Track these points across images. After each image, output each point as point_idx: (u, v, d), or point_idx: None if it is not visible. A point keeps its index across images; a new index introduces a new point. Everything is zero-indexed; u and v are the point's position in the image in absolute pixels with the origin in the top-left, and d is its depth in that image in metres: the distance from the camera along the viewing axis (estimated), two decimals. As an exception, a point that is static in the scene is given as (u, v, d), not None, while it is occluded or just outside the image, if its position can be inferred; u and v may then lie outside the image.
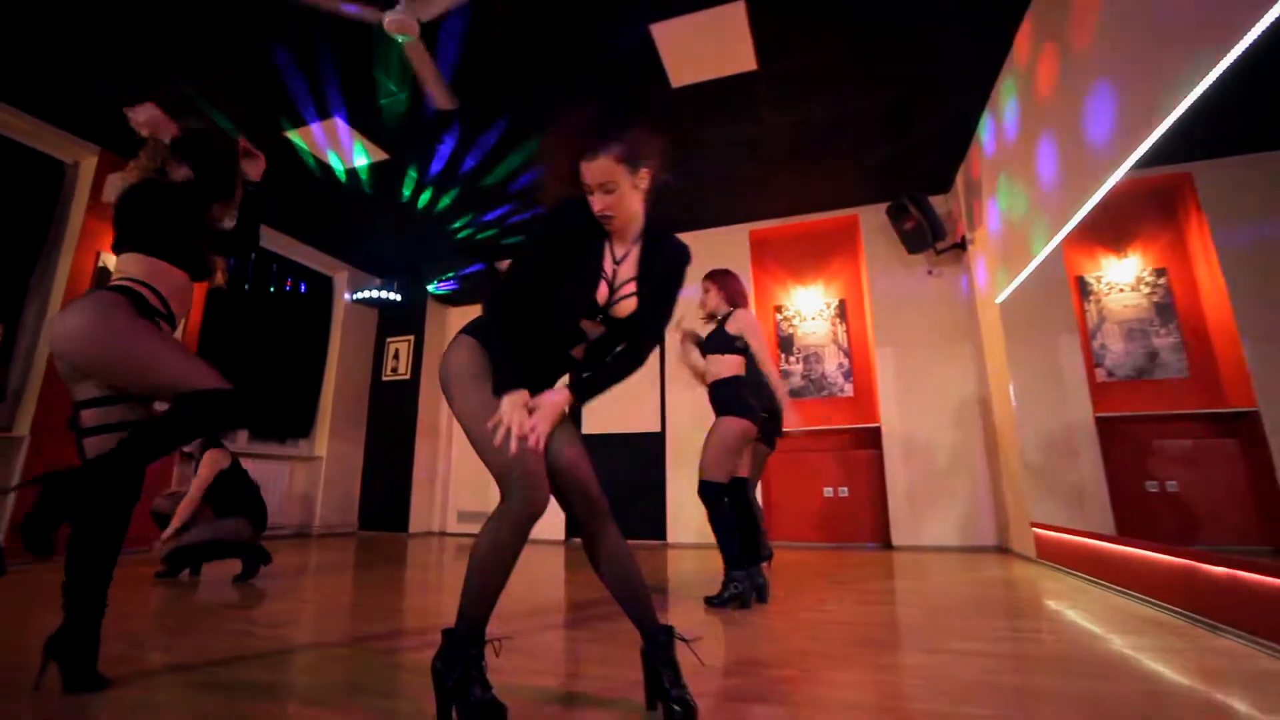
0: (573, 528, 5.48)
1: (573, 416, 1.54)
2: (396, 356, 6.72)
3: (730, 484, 2.48)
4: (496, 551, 1.17)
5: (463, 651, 1.14)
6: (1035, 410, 4.54)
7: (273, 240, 5.67)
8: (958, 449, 4.67)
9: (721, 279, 2.68)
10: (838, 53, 3.41)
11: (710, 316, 2.71)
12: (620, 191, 1.27)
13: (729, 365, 2.53)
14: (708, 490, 2.42)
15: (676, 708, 1.13)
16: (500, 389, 1.22)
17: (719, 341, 2.59)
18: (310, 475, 5.98)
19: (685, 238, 1.43)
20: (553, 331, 1.31)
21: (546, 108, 3.84)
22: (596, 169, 1.25)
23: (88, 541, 1.40)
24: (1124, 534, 4.27)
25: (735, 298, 2.63)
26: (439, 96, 3.37)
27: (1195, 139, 4.36)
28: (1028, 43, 3.25)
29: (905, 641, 1.87)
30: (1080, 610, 2.32)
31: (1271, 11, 1.60)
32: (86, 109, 3.83)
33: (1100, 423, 4.50)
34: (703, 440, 2.52)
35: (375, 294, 6.48)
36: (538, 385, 1.31)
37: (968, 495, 4.57)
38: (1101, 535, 3.01)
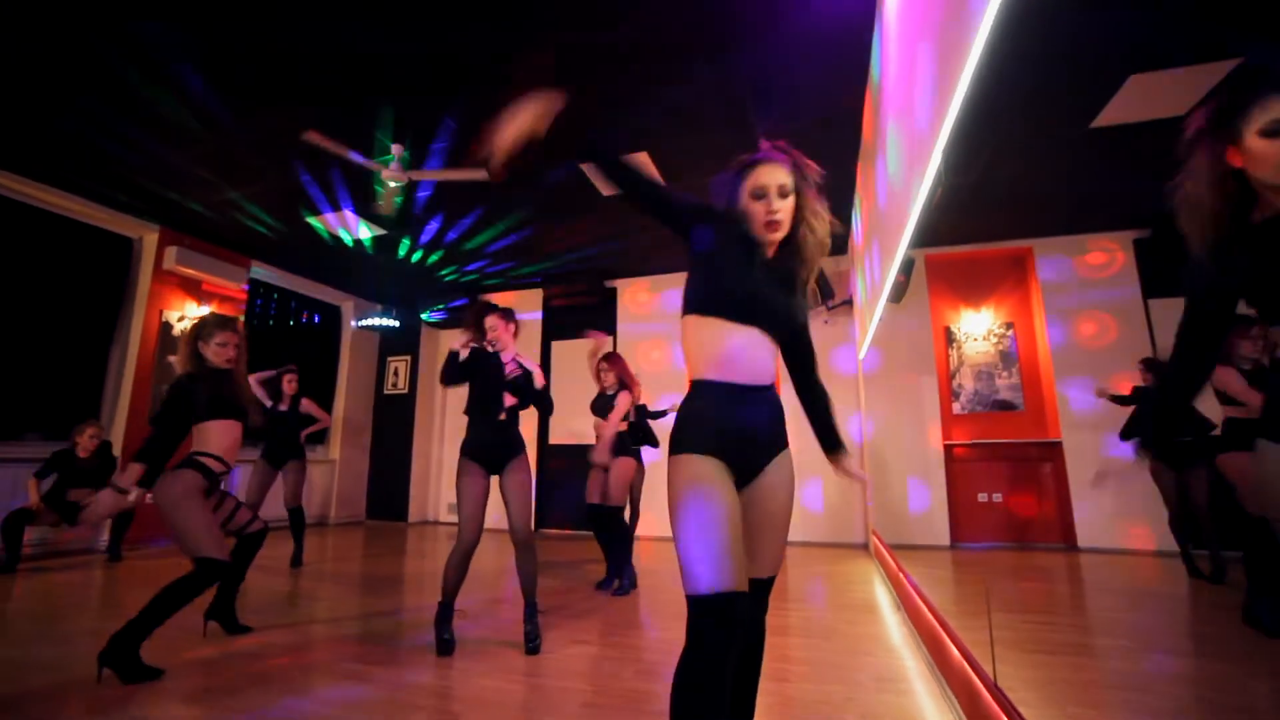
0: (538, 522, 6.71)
1: (541, 430, 2.74)
2: (396, 373, 7.91)
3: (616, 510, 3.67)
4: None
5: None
6: (897, 438, 5.75)
7: (291, 281, 6.80)
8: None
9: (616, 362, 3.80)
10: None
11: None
12: (502, 336, 2.64)
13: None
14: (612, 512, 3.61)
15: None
16: None
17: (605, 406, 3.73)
18: (326, 475, 7.22)
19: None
20: None
21: (513, 205, 4.99)
22: (490, 323, 2.59)
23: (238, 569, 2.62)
24: (957, 536, 5.55)
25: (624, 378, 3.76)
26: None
27: (1031, 221, 5.57)
28: (860, 167, 4.36)
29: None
30: (828, 583, 3.55)
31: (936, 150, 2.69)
32: (147, 197, 4.91)
33: (948, 448, 5.76)
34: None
35: (377, 320, 7.63)
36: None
37: (843, 504, 5.81)
38: (883, 541, 4.20)
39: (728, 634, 1.02)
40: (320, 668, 2.25)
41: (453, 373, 2.62)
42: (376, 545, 5.60)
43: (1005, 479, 5.47)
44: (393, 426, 7.78)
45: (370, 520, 7.62)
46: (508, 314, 2.71)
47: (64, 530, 4.37)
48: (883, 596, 3.51)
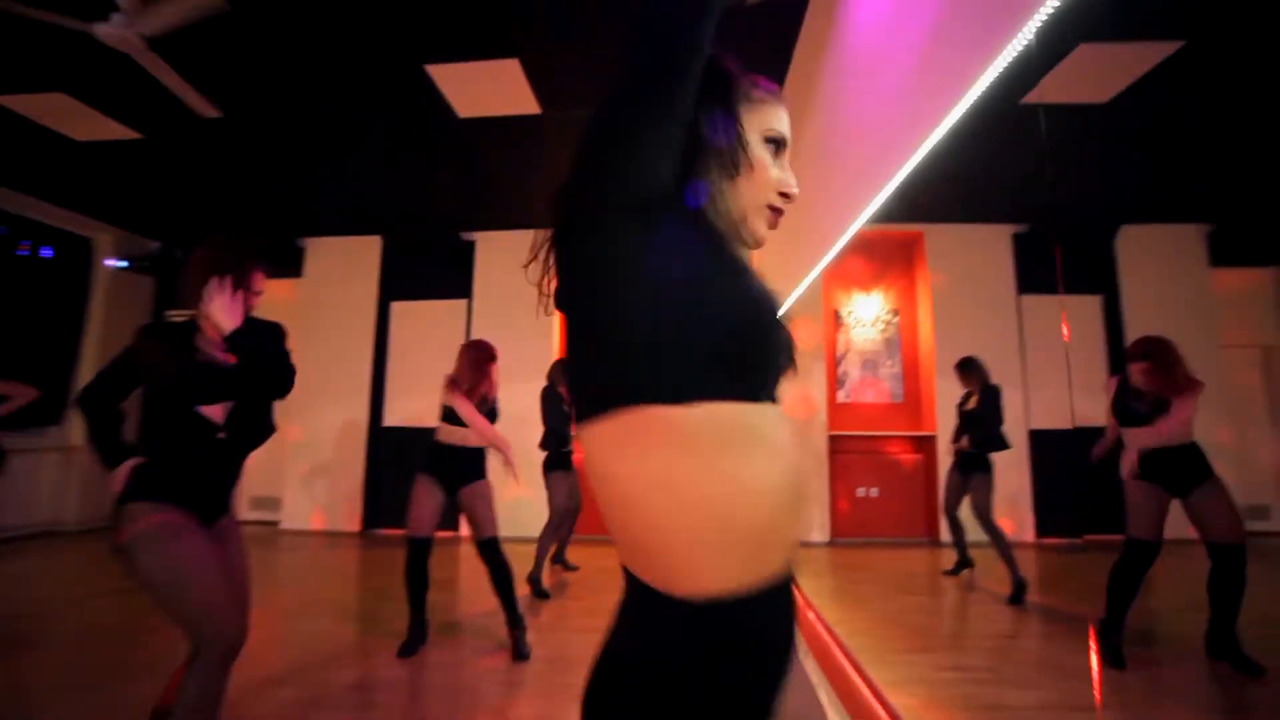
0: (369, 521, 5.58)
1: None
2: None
3: None
4: None
5: None
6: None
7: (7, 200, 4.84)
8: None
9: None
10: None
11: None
12: None
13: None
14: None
15: None
16: None
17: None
18: (57, 471, 5.38)
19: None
20: None
21: (322, 122, 3.71)
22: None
23: None
24: (837, 532, 5.26)
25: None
26: (195, 104, 3.12)
27: (921, 205, 5.17)
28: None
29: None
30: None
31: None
32: None
33: (832, 439, 5.43)
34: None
35: (128, 262, 5.79)
36: None
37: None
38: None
39: None
40: None
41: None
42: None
43: (882, 474, 5.26)
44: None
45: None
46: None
47: None
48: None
